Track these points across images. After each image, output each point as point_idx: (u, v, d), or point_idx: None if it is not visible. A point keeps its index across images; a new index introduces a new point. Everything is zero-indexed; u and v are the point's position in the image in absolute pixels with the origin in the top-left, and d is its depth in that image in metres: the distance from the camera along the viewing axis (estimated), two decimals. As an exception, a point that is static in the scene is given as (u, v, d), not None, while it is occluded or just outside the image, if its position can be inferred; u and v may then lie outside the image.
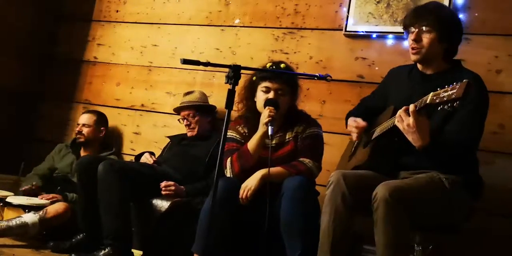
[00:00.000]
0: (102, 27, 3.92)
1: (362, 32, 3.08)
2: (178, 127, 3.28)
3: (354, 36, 3.12)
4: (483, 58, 2.79)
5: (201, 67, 3.52)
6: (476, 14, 2.87)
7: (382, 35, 3.05)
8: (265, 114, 2.36)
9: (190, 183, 2.82)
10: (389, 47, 3.05)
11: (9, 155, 3.72)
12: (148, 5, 3.77)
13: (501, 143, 2.71)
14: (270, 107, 2.38)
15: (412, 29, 2.14)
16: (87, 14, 3.97)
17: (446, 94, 1.74)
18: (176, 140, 3.18)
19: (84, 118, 3.37)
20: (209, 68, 3.48)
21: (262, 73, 2.52)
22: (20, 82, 3.88)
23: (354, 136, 2.29)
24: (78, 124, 3.39)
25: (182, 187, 2.76)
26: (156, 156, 3.16)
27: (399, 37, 3.00)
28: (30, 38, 3.91)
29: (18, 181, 3.57)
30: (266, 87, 2.49)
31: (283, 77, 2.49)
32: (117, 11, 3.88)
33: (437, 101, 1.77)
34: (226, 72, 3.45)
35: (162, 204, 2.60)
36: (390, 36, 3.03)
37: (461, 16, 2.86)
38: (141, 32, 3.76)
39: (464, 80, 1.71)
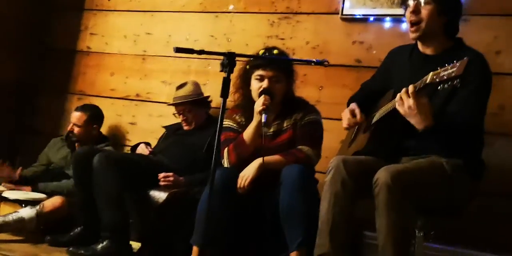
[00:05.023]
0: (94, 16, 3.85)
1: (359, 15, 3.02)
2: (174, 116, 3.23)
3: (351, 19, 3.06)
4: (482, 39, 2.71)
5: (195, 55, 3.52)
6: (476, -6, 2.81)
7: (380, 18, 2.98)
8: (259, 102, 2.33)
9: (187, 173, 2.79)
10: (387, 30, 2.98)
11: (4, 148, 3.69)
12: (140, -8, 3.70)
13: (501, 124, 2.67)
14: (266, 96, 2.34)
15: (410, 2, 2.08)
16: (79, 2, 3.89)
17: (446, 72, 1.70)
18: (171, 130, 3.14)
19: (75, 117, 3.27)
20: (204, 56, 3.36)
21: (255, 61, 2.46)
22: (13, 73, 3.82)
23: (345, 124, 2.24)
24: (71, 122, 3.30)
25: (181, 178, 2.72)
26: (152, 146, 3.13)
27: (397, 19, 2.93)
28: (22, 28, 3.84)
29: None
30: (259, 75, 2.43)
31: (277, 64, 2.43)
32: (109, -1, 3.81)
33: (437, 80, 1.73)
34: (221, 59, 3.44)
35: (160, 195, 2.57)
36: (388, 18, 2.96)
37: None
38: (134, 21, 3.69)
39: (465, 58, 1.67)
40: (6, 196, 2.82)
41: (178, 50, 1.86)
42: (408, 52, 2.24)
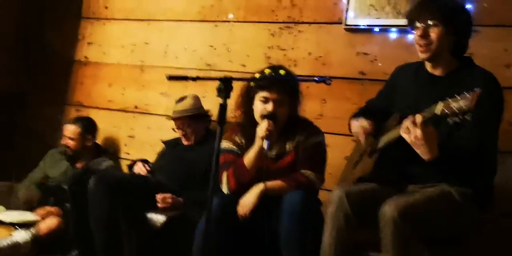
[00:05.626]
0: (91, 25, 3.76)
1: (363, 26, 2.91)
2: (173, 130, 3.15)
3: (354, 30, 2.95)
4: (492, 52, 2.61)
5: (194, 65, 3.43)
6: (485, 5, 2.68)
7: (385, 29, 2.87)
8: (262, 127, 2.22)
9: (187, 190, 2.71)
10: (392, 41, 2.87)
11: (1, 160, 3.63)
12: (137, 1, 3.59)
13: (511, 142, 2.57)
14: (270, 121, 2.23)
15: (417, 24, 1.99)
16: (76, 11, 3.80)
17: (456, 104, 1.61)
18: (170, 145, 3.06)
19: (68, 131, 3.21)
20: (204, 67, 3.35)
21: (260, 81, 2.33)
22: (10, 83, 3.76)
23: (362, 138, 2.15)
24: (64, 135, 3.24)
25: (180, 199, 2.65)
26: (152, 160, 3.05)
27: (402, 30, 2.81)
28: (18, 38, 3.76)
29: (12, 187, 3.48)
30: (264, 97, 2.32)
31: (283, 86, 2.31)
32: (106, 7, 3.71)
33: (446, 112, 1.65)
34: (222, 70, 3.36)
35: (158, 218, 2.50)
36: (393, 29, 2.85)
37: (468, 6, 2.69)
38: (131, 29, 3.60)
39: (476, 90, 1.59)
40: (0, 219, 2.74)
41: (171, 78, 1.76)
42: (414, 70, 2.14)
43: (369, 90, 2.80)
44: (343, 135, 2.83)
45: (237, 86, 1.95)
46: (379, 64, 2.88)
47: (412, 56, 2.27)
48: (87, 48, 3.76)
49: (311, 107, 2.91)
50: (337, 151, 2.75)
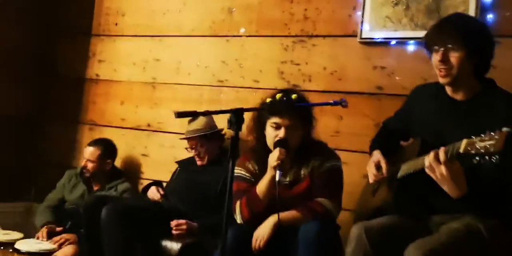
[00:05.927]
0: (102, 42, 3.71)
1: (379, 39, 2.80)
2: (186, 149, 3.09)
3: (370, 43, 2.85)
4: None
5: (206, 82, 3.36)
6: (507, 14, 2.56)
7: (402, 41, 2.77)
8: (274, 156, 2.13)
9: (201, 213, 2.65)
10: (410, 54, 2.76)
11: (18, 181, 3.63)
12: (147, 17, 3.53)
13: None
14: (281, 149, 2.13)
15: (436, 47, 1.88)
16: (86, 28, 3.75)
17: (482, 144, 1.52)
18: (184, 165, 3.00)
19: (88, 153, 3.17)
20: (216, 83, 3.28)
21: (271, 106, 2.24)
22: (23, 104, 3.74)
23: (371, 179, 2.06)
24: (84, 158, 3.21)
25: (195, 224, 2.59)
26: (166, 178, 3.00)
27: (420, 42, 2.70)
28: (29, 57, 3.75)
29: (30, 208, 3.48)
30: (276, 123, 2.22)
31: (295, 111, 2.21)
32: (116, 24, 3.65)
33: (472, 152, 1.56)
34: (234, 87, 3.28)
35: (172, 246, 2.45)
36: (411, 42, 2.74)
37: (489, 16, 2.57)
38: (142, 46, 3.53)
39: (504, 130, 1.49)
40: (18, 248, 2.72)
41: (180, 115, 1.68)
42: (434, 93, 2.03)
43: (387, 105, 2.70)
44: (360, 153, 2.74)
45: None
46: (397, 78, 2.78)
47: (431, 70, 2.15)
48: (98, 65, 3.71)
49: (327, 124, 2.84)
50: (355, 169, 2.67)
